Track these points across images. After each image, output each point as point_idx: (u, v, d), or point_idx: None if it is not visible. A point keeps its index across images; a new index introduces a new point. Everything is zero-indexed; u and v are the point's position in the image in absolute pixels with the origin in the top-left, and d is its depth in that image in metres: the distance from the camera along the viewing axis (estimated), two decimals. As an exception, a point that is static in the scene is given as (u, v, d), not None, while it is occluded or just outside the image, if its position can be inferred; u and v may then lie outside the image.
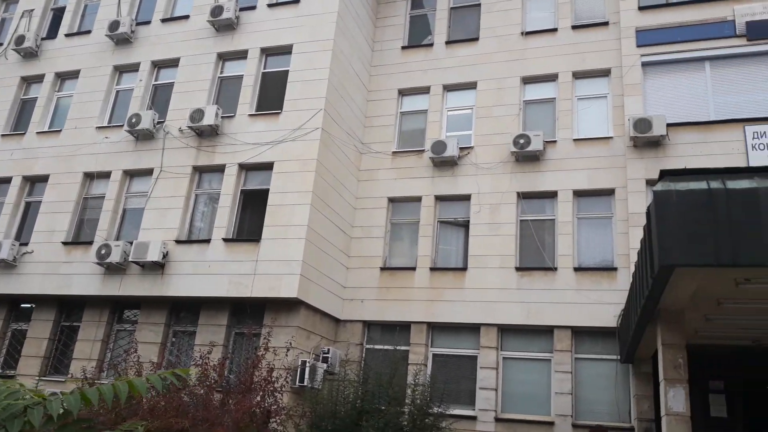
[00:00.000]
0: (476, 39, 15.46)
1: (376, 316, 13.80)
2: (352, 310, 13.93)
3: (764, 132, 12.50)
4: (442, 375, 12.48)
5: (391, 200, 14.80)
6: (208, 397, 9.30)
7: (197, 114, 13.88)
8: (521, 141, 13.64)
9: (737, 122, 12.72)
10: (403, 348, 13.10)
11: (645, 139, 12.72)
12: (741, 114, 12.86)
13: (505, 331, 13.05)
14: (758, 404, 11.45)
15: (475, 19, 15.81)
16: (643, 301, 7.94)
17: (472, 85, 15.11)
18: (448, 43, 15.77)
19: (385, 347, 13.21)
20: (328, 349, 12.56)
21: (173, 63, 15.43)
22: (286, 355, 10.90)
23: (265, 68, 14.77)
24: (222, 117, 14.04)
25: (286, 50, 14.46)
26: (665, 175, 6.75)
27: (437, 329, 13.52)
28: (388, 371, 9.45)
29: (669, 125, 12.78)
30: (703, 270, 6.61)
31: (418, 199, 14.48)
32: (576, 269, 12.84)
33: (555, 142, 13.88)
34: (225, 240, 13.01)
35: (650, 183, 11.89)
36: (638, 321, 8.81)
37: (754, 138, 12.51)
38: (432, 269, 13.81)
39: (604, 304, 12.28)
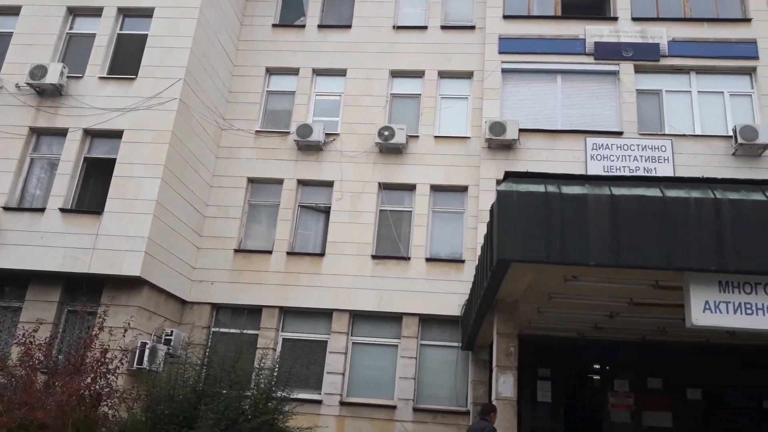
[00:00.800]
0: (349, 26, 15.45)
1: (226, 299, 13.39)
2: (201, 292, 13.41)
3: (602, 144, 13.72)
4: (291, 360, 12.40)
5: (251, 180, 14.42)
6: (30, 378, 8.53)
7: (39, 70, 12.56)
8: (386, 133, 13.86)
9: (580, 133, 13.85)
10: (252, 332, 12.90)
11: (499, 142, 13.46)
12: (584, 126, 14.02)
13: (357, 317, 13.25)
14: (577, 390, 12.60)
15: (349, 6, 15.78)
16: (483, 292, 8.41)
17: (342, 72, 15.10)
18: (320, 26, 15.61)
19: (234, 331, 12.86)
20: (172, 332, 12.00)
21: (14, 11, 13.79)
22: (124, 336, 10.25)
23: (121, 29, 13.69)
24: (68, 77, 12.81)
25: (146, 13, 13.49)
26: (509, 176, 7.17)
27: (289, 314, 13.43)
28: (233, 355, 9.19)
29: (521, 130, 13.62)
30: (537, 266, 7.10)
31: (280, 182, 14.24)
32: (428, 260, 13.33)
33: (417, 137, 14.28)
34: (62, 210, 11.93)
35: (500, 183, 12.61)
36: (478, 311, 9.32)
37: (593, 149, 13.69)
38: (289, 253, 13.66)
39: (450, 294, 12.85)
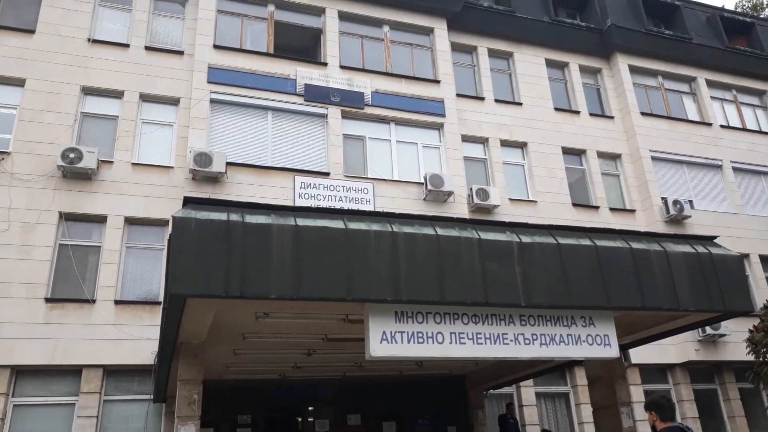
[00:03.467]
0: (32, 31, 13.35)
1: None
2: None
3: (310, 183, 13.92)
4: None
5: None
6: None
7: None
8: (71, 155, 12.11)
9: (289, 171, 13.88)
10: None
11: (204, 174, 12.75)
12: (293, 164, 14.10)
13: (23, 373, 11.05)
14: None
15: (33, 9, 13.67)
16: (163, 334, 7.51)
17: (19, 82, 12.91)
18: (-4, 27, 13.26)
19: None
20: None
21: None
22: None
23: None
24: None
25: None
26: (188, 202, 6.50)
27: None
28: None
29: (229, 164, 13.12)
30: (218, 301, 6.50)
31: None
32: (117, 302, 11.82)
33: (112, 162, 12.80)
34: None
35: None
36: (161, 356, 8.35)
37: (301, 187, 13.81)
38: (-71, 297, 10.89)
39: (143, 341, 11.52)
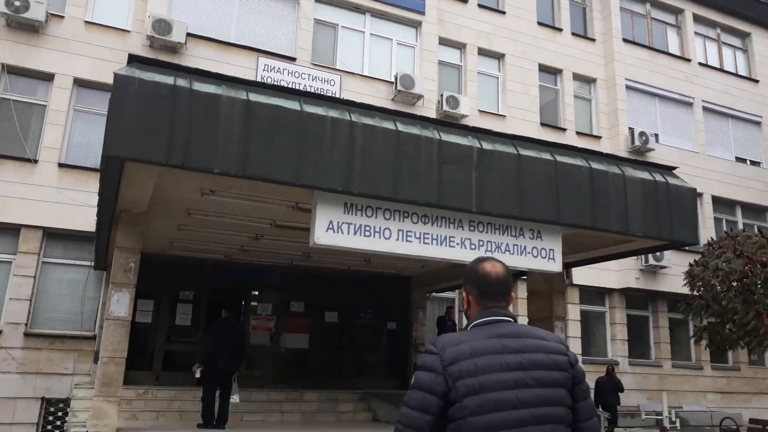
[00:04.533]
0: None
1: None
2: None
3: (274, 67, 13.26)
4: None
5: None
6: None
7: None
8: (17, 3, 11.11)
9: (253, 51, 13.16)
10: None
11: (163, 42, 11.95)
12: (258, 44, 13.34)
13: (-44, 227, 10.66)
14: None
15: None
16: (101, 198, 7.22)
17: None
18: None
19: None
20: None
21: None
22: None
23: None
24: None
25: None
26: (134, 60, 6.04)
27: None
28: None
29: (189, 35, 12.33)
30: (160, 170, 6.21)
31: None
32: (61, 165, 11.30)
33: (63, 17, 11.82)
34: None
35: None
36: (99, 221, 8.11)
37: (264, 69, 13.15)
38: None
39: (88, 207, 11.06)
